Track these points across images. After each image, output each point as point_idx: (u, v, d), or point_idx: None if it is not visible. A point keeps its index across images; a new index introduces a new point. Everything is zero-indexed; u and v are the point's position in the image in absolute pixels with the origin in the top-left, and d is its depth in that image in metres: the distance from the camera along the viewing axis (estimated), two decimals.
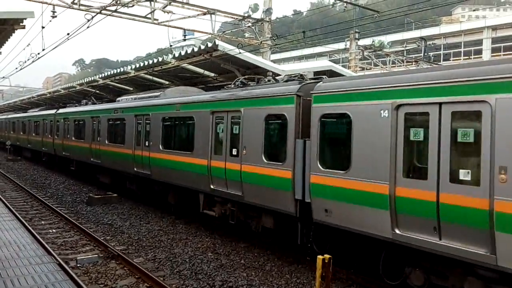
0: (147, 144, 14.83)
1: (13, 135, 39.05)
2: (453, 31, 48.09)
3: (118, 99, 19.26)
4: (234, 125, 10.96)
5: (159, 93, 15.53)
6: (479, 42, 45.77)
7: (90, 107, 21.61)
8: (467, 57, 44.31)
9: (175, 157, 13.18)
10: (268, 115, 9.92)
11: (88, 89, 25.14)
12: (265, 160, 9.85)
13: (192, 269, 9.54)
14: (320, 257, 6.34)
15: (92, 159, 19.53)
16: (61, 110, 26.26)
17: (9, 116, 42.72)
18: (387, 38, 35.50)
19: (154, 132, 14.43)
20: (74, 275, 8.29)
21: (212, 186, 11.51)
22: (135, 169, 15.54)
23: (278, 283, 8.85)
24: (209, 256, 10.48)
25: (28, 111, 37.61)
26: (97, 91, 25.37)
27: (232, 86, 12.02)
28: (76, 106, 25.59)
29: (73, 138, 22.52)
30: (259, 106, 10.15)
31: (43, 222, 13.82)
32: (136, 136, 15.66)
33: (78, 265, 9.53)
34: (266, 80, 11.34)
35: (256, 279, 9.03)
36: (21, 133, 35.65)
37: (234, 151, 10.79)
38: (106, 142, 18.03)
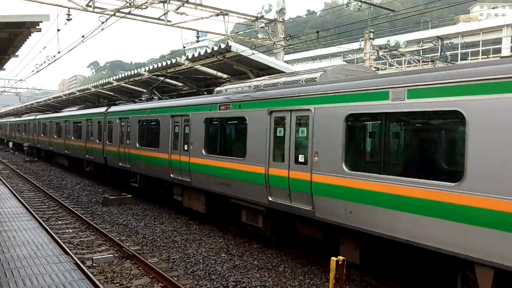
0: (301, 159, 9.21)
1: (43, 138, 33.82)
2: (471, 29, 47.41)
3: (218, 89, 13.46)
4: None
5: (318, 74, 9.75)
6: (498, 41, 45.04)
7: (168, 102, 15.56)
8: (486, 56, 43.65)
9: (395, 189, 7.17)
10: None
11: (103, 91, 25.23)
12: None
13: (206, 269, 9.59)
14: (333, 258, 6.30)
15: (172, 175, 14.17)
16: (115, 108, 20.36)
17: (39, 117, 36.70)
18: (402, 38, 35.12)
19: (320, 141, 8.73)
20: (90, 274, 8.43)
21: None
22: (270, 198, 9.99)
23: (291, 285, 8.83)
24: (223, 257, 10.51)
25: (64, 110, 31.76)
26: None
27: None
28: (135, 102, 20.30)
29: (137, 145, 16.78)
30: None
31: (59, 222, 14.03)
32: (274, 145, 10.10)
33: (94, 264, 9.66)
34: None
35: (269, 280, 9.03)
36: (55, 136, 29.81)
37: None
38: (203, 152, 12.47)
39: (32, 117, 39.55)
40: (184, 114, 13.80)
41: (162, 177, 15.00)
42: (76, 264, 8.79)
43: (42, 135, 34.43)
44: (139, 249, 11.04)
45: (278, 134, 10.04)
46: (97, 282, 8.08)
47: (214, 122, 12.49)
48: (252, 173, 10.50)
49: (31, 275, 7.77)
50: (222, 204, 12.38)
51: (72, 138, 25.81)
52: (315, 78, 9.65)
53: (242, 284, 8.74)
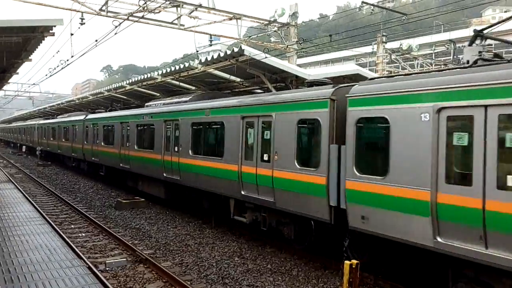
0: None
1: (106, 149, 21.91)
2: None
3: None
4: None
5: None
6: None
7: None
8: None
9: None
10: None
11: (117, 95, 25.24)
12: None
13: (219, 273, 9.52)
14: (347, 262, 6.22)
15: None
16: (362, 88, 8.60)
17: (92, 117, 25.53)
18: (415, 41, 34.89)
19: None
20: (103, 279, 8.41)
21: None
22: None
23: None
24: (236, 261, 10.44)
25: (149, 104, 19.38)
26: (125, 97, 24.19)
27: None
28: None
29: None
30: None
31: (72, 226, 14.07)
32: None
33: (107, 268, 9.64)
34: None
35: (283, 284, 8.94)
36: (136, 147, 18.16)
37: None
38: None
39: (81, 117, 27.60)
40: None
41: None
42: (89, 268, 8.77)
43: (102, 143, 22.69)
44: (152, 253, 11.01)
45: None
46: (110, 287, 8.08)
47: None
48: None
49: (44, 280, 7.77)
50: None
51: (204, 154, 13.39)
52: None
53: None
